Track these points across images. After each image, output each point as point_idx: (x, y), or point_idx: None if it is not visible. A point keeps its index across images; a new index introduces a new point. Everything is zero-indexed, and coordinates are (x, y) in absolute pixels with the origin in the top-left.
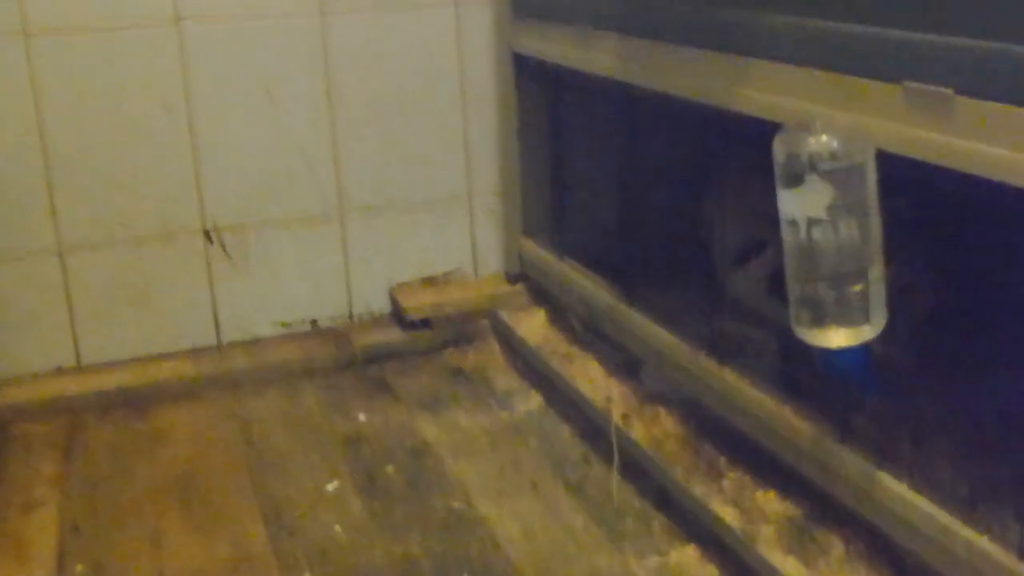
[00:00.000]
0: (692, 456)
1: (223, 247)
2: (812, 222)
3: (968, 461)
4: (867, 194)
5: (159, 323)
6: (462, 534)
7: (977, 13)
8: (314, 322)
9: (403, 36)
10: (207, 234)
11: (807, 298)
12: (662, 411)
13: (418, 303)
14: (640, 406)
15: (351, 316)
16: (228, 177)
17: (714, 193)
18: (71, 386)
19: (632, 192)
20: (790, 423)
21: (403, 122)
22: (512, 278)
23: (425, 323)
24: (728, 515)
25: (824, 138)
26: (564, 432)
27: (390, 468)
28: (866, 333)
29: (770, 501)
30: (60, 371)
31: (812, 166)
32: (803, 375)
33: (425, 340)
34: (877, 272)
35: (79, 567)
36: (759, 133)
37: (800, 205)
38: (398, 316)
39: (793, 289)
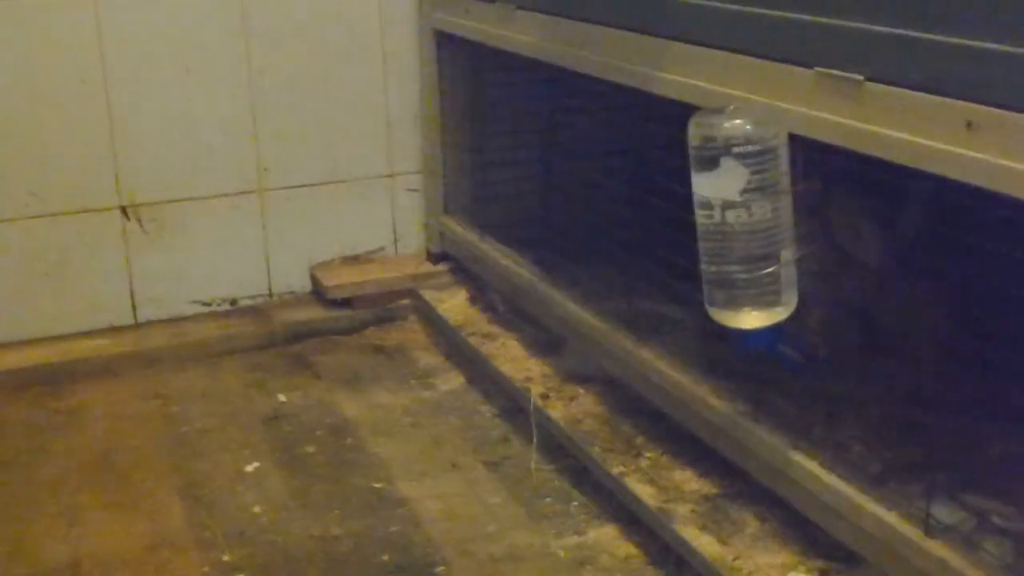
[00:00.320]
0: (610, 435)
1: (140, 223)
2: (727, 204)
3: (879, 439)
4: (780, 177)
5: (75, 300)
6: (382, 513)
7: (888, 2)
8: (234, 301)
9: (324, 11)
10: (124, 210)
11: (721, 279)
12: (581, 390)
13: (339, 282)
14: (560, 385)
15: (271, 294)
16: (145, 152)
17: (636, 171)
18: None
19: (554, 171)
20: (706, 401)
21: (324, 99)
22: (434, 257)
23: (346, 302)
24: (645, 493)
25: (738, 121)
26: (485, 411)
27: (310, 447)
28: (779, 314)
29: (687, 479)
30: None
31: (727, 149)
32: (720, 354)
33: (346, 319)
34: (789, 254)
35: None
36: (679, 114)
37: (714, 188)
38: (319, 295)
39: (707, 271)
